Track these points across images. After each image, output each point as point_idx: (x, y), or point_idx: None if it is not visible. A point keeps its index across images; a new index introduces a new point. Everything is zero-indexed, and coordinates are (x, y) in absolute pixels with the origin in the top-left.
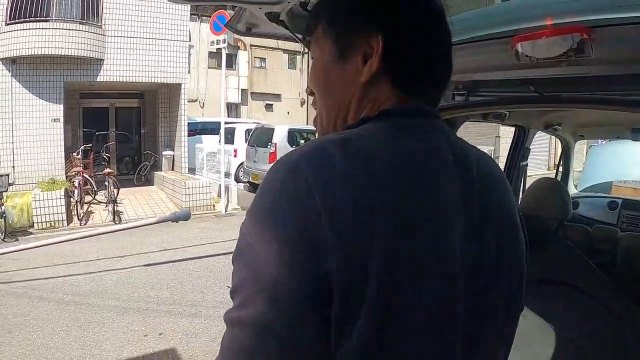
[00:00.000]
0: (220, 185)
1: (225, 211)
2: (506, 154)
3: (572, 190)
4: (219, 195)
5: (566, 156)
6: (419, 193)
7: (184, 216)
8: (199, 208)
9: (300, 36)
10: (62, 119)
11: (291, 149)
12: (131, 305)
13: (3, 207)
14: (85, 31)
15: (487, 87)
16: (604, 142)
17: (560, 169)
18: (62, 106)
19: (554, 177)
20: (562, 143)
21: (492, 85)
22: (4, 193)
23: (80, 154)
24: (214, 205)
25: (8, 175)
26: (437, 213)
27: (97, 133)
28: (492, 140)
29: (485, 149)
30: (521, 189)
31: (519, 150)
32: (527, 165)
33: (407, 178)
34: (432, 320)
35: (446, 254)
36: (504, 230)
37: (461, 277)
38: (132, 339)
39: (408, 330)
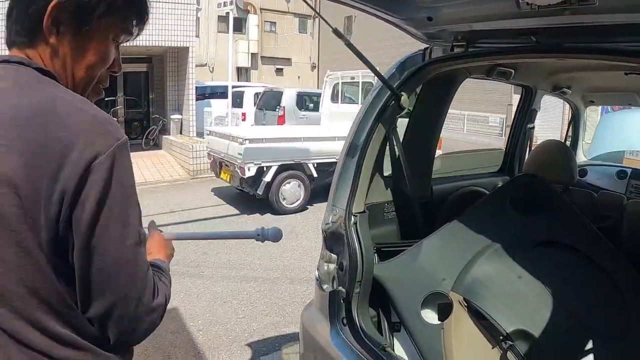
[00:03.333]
0: None
1: None
2: None
3: (582, 159)
4: None
5: (575, 122)
6: None
7: (274, 236)
8: (206, 171)
9: None
10: None
11: (300, 112)
12: None
13: None
14: None
15: (488, 38)
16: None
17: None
18: None
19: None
20: (571, 108)
21: (492, 35)
22: None
23: None
24: None
25: None
26: None
27: (105, 99)
28: (504, 108)
29: (496, 117)
30: (527, 151)
31: (525, 111)
32: (533, 128)
33: None
34: None
35: None
36: None
37: None
38: None
39: None
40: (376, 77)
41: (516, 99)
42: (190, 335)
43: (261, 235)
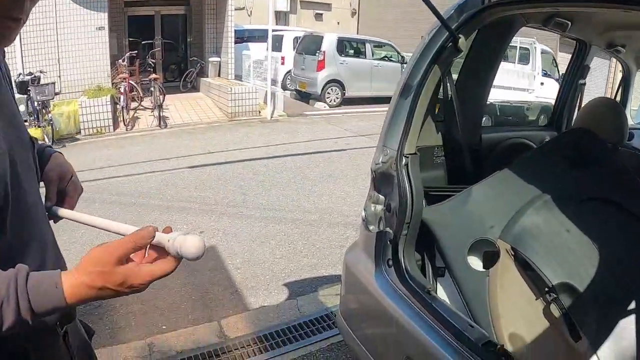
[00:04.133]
0: (266, 92)
1: (271, 117)
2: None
3: (629, 122)
4: (265, 102)
5: (626, 83)
6: None
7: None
8: (244, 114)
9: None
10: (106, 27)
11: (340, 57)
12: (174, 204)
13: (50, 115)
14: None
15: None
16: None
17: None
18: (106, 14)
19: None
20: (623, 68)
21: None
22: (50, 101)
23: (126, 60)
24: (259, 111)
25: (54, 83)
26: None
27: (142, 42)
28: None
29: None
30: (577, 108)
31: (578, 67)
32: (584, 84)
33: None
34: None
35: None
36: None
37: None
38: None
39: None
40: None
41: (561, 58)
42: (228, 273)
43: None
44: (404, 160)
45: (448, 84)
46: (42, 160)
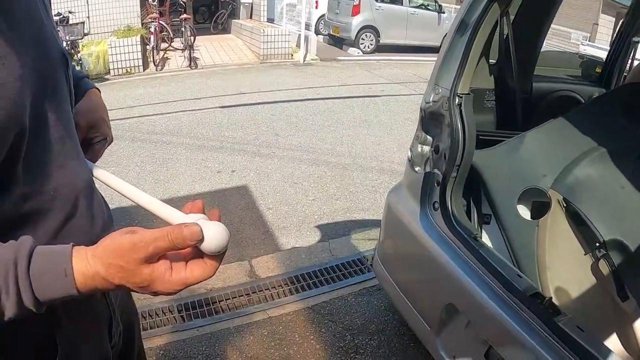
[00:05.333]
0: (299, 35)
1: (304, 61)
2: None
3: None
4: (298, 45)
5: None
6: None
7: (212, 240)
8: (276, 56)
9: None
10: None
11: (376, 3)
12: (206, 143)
13: (79, 55)
14: None
15: None
16: None
17: None
18: None
19: None
20: None
21: None
22: (79, 41)
23: (156, 0)
24: (292, 55)
25: (83, 23)
26: None
27: None
28: (590, 27)
29: (579, 35)
30: (628, 65)
31: (633, 24)
32: (638, 42)
33: None
34: None
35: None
36: None
37: None
38: (205, 175)
39: None
40: None
41: (602, 19)
42: (260, 213)
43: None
44: (457, 100)
45: (506, 25)
46: (75, 93)
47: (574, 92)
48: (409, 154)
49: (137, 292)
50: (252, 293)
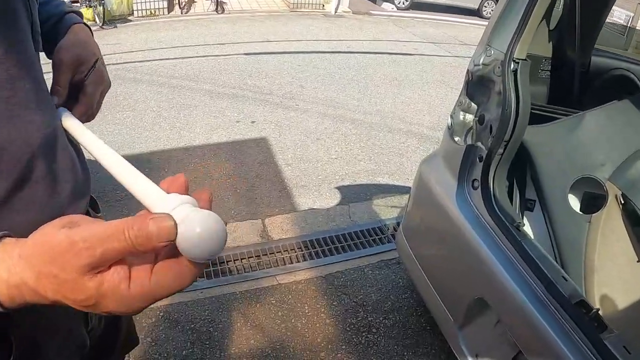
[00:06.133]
0: None
1: (335, 12)
2: None
3: None
4: None
5: None
6: None
7: (194, 228)
8: (307, 5)
9: None
10: None
11: None
12: (226, 91)
13: None
14: None
15: None
16: None
17: None
18: None
19: None
20: None
21: None
22: None
23: None
24: (323, 5)
25: None
26: None
27: None
28: (634, 6)
29: (622, 13)
30: None
31: None
32: None
33: None
34: None
35: None
36: None
37: None
38: (223, 124)
39: None
40: None
41: None
42: (277, 168)
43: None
44: (512, 65)
45: None
46: (56, 31)
47: (632, 74)
48: (449, 120)
49: (82, 310)
50: (263, 255)
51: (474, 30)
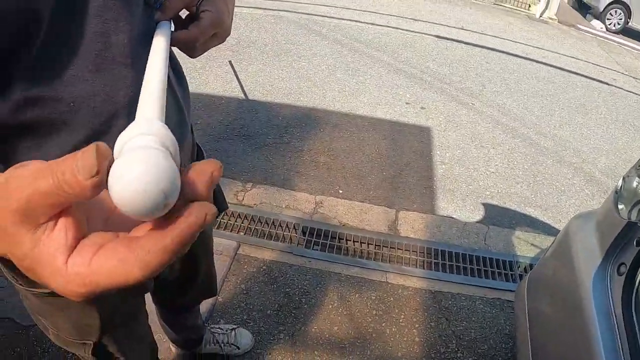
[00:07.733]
0: None
1: (540, 16)
2: None
3: None
4: None
5: None
6: None
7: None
8: (512, 1)
9: None
10: None
11: None
12: (405, 68)
13: None
14: None
15: None
16: None
17: None
18: None
19: None
20: None
21: None
22: None
23: None
24: (529, 5)
25: None
26: None
27: None
28: None
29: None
30: None
31: None
32: None
33: None
34: None
35: None
36: None
37: None
38: (392, 101)
39: None
40: None
41: None
42: (430, 163)
43: None
44: None
45: None
46: None
47: None
48: (620, 182)
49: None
50: (384, 247)
51: None
